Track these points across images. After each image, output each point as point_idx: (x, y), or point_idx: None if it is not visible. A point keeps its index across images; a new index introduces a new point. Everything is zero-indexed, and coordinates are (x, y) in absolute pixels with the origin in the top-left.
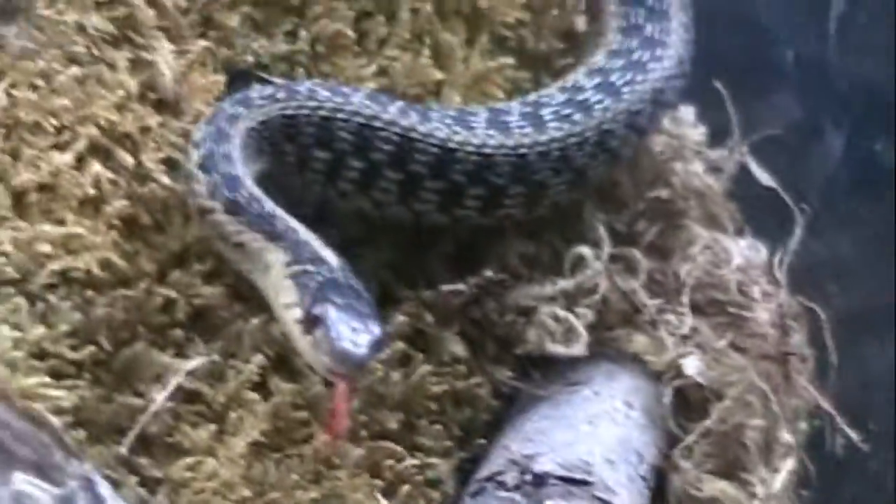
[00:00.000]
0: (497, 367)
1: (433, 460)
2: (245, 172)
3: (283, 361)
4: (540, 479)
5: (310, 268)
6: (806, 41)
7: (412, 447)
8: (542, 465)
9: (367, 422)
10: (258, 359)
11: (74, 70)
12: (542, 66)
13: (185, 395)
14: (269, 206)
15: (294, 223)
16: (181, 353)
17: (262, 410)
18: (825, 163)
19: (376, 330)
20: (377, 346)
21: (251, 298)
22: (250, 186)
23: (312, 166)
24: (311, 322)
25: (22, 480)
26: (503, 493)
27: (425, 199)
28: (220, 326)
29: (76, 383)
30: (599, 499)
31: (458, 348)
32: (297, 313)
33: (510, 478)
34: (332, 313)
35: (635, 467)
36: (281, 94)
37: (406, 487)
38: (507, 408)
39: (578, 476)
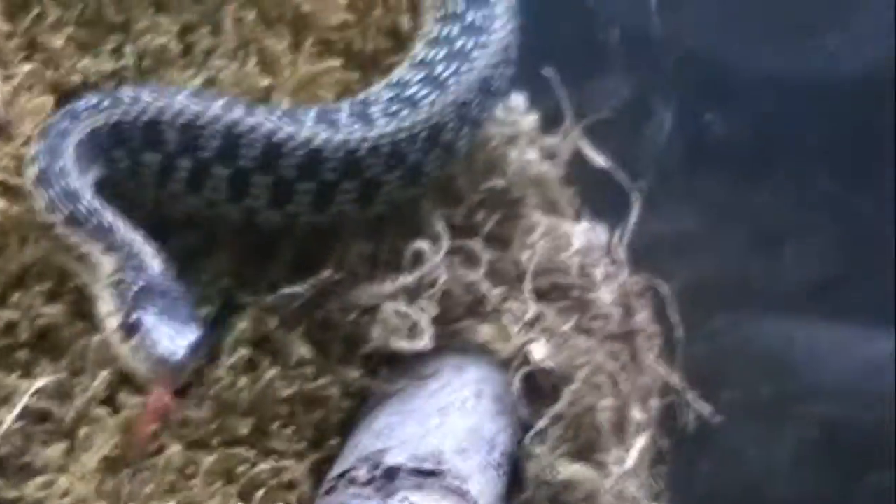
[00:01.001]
0: (345, 366)
1: (287, 463)
2: (82, 184)
3: (129, 376)
4: (391, 473)
5: (130, 276)
6: (630, 18)
7: (265, 452)
8: (394, 459)
9: (218, 429)
10: (104, 374)
11: None
12: (370, 66)
13: (35, 415)
14: (108, 216)
15: (131, 233)
16: (27, 374)
17: (112, 424)
18: (658, 139)
19: (193, 334)
20: (194, 349)
21: (93, 315)
22: (89, 198)
23: (143, 170)
24: (129, 329)
25: None
26: (355, 489)
27: (255, 194)
28: (65, 344)
29: None
30: (451, 488)
31: (303, 350)
32: (115, 321)
33: (361, 474)
34: (147, 320)
35: (487, 455)
36: (105, 102)
37: (261, 492)
38: (359, 406)
39: (429, 467)
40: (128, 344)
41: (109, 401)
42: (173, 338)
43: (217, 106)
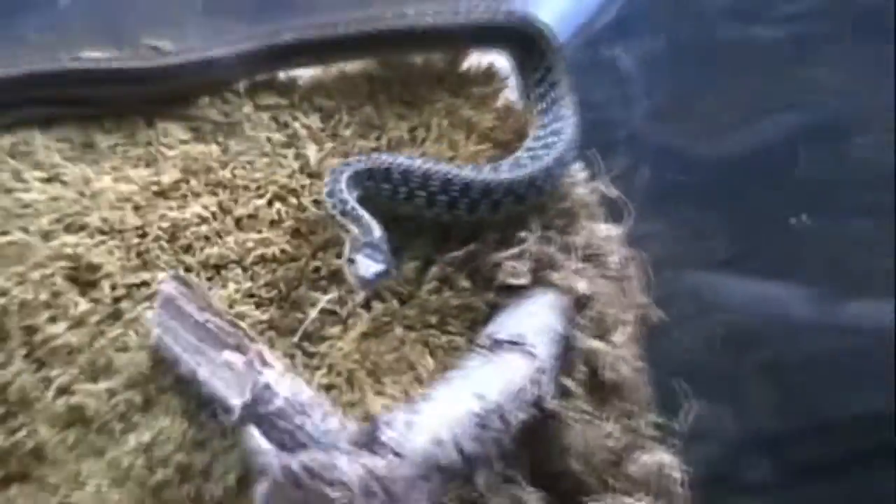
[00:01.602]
0: (486, 292)
1: (455, 339)
2: (349, 197)
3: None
4: (497, 343)
5: (361, 238)
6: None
7: (444, 332)
8: (499, 335)
9: (421, 320)
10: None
11: (265, 159)
12: (505, 149)
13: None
14: (360, 211)
15: (370, 220)
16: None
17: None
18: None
19: (381, 267)
20: (382, 275)
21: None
22: (352, 204)
23: (382, 192)
24: (350, 263)
25: (227, 354)
26: (479, 350)
27: (439, 206)
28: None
29: (266, 309)
30: (526, 351)
31: (464, 283)
32: (346, 259)
33: (483, 341)
34: (359, 258)
35: (550, 336)
36: (363, 158)
37: (440, 351)
38: (492, 312)
39: (517, 340)
40: (348, 270)
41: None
42: (369, 268)
43: (419, 161)
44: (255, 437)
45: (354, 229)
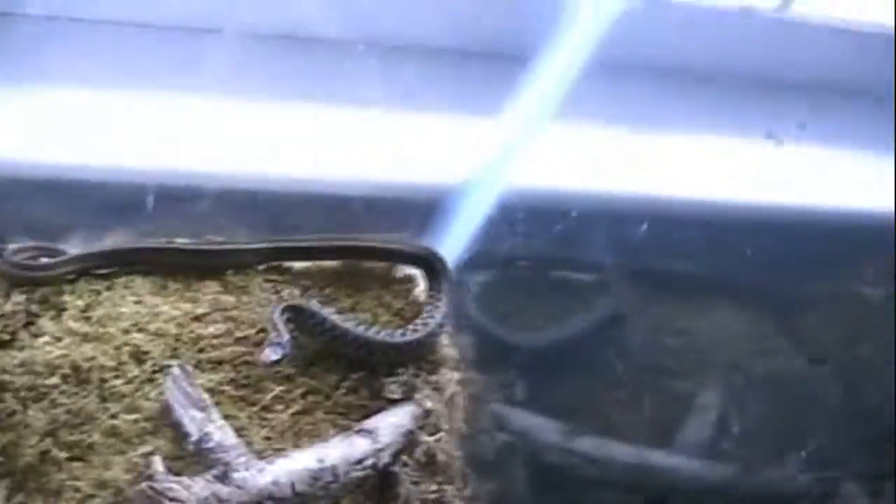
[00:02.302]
0: None
1: None
2: (278, 314)
3: None
4: (357, 431)
5: (271, 338)
6: None
7: None
8: (361, 427)
9: None
10: None
11: (261, 307)
12: None
13: None
14: (277, 321)
15: (281, 326)
16: None
17: None
18: None
19: (275, 357)
20: (275, 363)
21: None
22: (276, 317)
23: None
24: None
25: (193, 412)
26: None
27: None
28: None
29: (241, 390)
30: (373, 438)
31: None
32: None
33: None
34: (266, 350)
35: None
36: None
37: None
38: None
39: (369, 430)
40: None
41: None
42: (268, 357)
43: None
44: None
45: (271, 331)
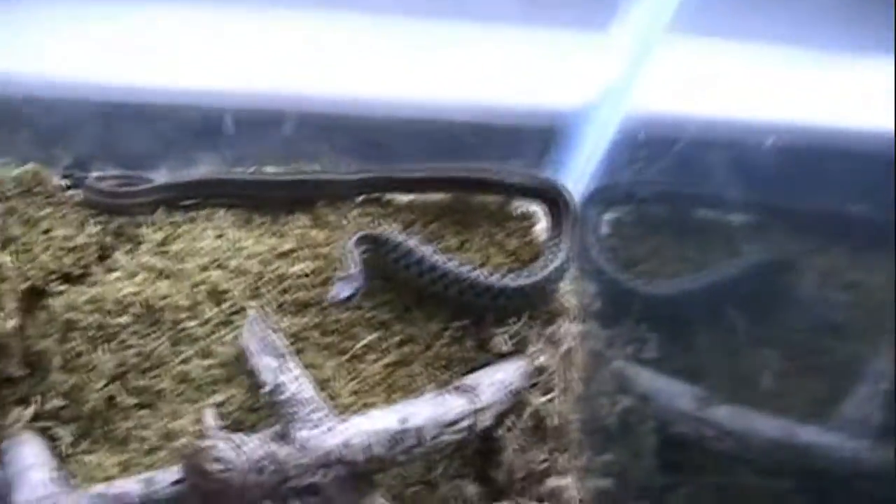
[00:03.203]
0: None
1: None
2: (353, 246)
3: None
4: (454, 388)
5: (342, 272)
6: None
7: None
8: (460, 383)
9: None
10: None
11: None
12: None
13: None
14: (349, 253)
15: (352, 259)
16: None
17: None
18: None
19: (348, 293)
20: (347, 299)
21: None
22: (350, 249)
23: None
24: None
25: (268, 359)
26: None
27: (434, 278)
28: None
29: (329, 337)
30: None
31: None
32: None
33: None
34: (336, 286)
35: None
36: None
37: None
38: None
39: (467, 388)
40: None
41: None
42: (339, 294)
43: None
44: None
45: (343, 265)
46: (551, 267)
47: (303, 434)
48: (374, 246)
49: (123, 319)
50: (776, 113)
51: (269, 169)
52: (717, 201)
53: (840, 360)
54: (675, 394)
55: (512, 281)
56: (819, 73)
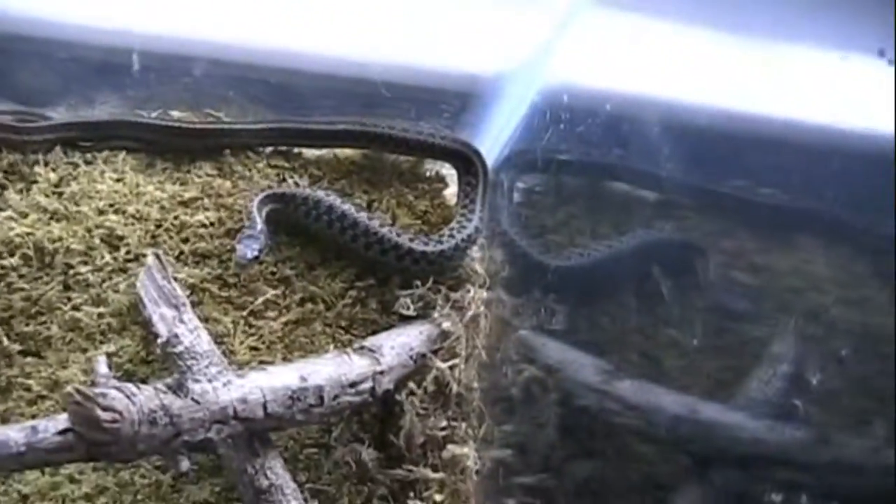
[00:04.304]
0: None
1: None
2: (257, 205)
3: None
4: (357, 348)
5: (248, 229)
6: None
7: None
8: (364, 344)
9: None
10: None
11: None
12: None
13: None
14: (254, 212)
15: (257, 217)
16: None
17: None
18: None
19: (253, 254)
20: (252, 260)
21: None
22: (254, 209)
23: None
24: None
25: (164, 309)
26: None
27: (330, 224)
28: None
29: (227, 290)
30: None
31: None
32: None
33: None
34: (239, 245)
35: None
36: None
37: None
38: None
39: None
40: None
41: None
42: (243, 253)
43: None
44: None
45: (247, 222)
46: (462, 234)
47: (198, 387)
48: (282, 203)
49: (12, 261)
50: (697, 95)
51: (175, 114)
52: (631, 176)
53: (744, 342)
54: (581, 366)
55: (422, 245)
56: (744, 57)
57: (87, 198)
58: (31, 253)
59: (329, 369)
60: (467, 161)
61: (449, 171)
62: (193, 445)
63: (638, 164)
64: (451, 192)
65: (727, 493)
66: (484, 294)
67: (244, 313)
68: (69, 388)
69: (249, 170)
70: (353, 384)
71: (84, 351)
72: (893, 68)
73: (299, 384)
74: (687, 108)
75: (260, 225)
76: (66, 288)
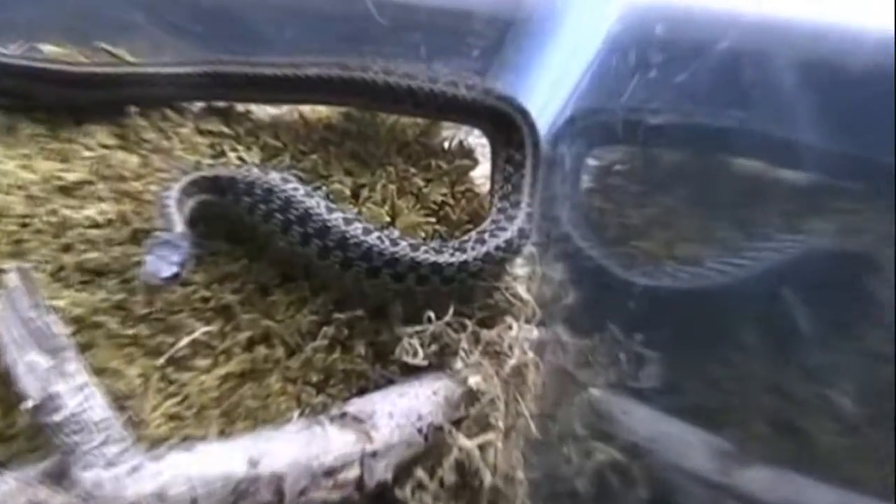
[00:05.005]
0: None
1: None
2: (173, 194)
3: None
4: (340, 416)
5: (161, 235)
6: None
7: None
8: (348, 409)
9: None
10: None
11: None
12: (457, 227)
13: None
14: (170, 206)
15: (176, 214)
16: None
17: None
18: None
19: (172, 271)
20: (170, 280)
21: None
22: (169, 199)
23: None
24: (142, 262)
25: (34, 354)
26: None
27: (276, 222)
28: None
29: (134, 325)
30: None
31: None
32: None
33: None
34: (150, 258)
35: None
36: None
37: None
38: None
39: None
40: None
41: None
42: (158, 271)
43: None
44: None
45: (160, 226)
46: (498, 239)
47: (90, 476)
48: (214, 193)
49: None
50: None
51: (48, 48)
52: (762, 148)
53: None
54: (685, 445)
55: (434, 254)
56: None
57: None
58: None
59: (292, 449)
60: (508, 125)
61: (479, 140)
62: None
63: (772, 129)
64: (481, 172)
65: None
66: (534, 333)
67: (160, 362)
68: None
69: (167, 138)
70: (329, 472)
71: None
72: None
73: (246, 472)
74: (845, 39)
75: (180, 226)
76: None
